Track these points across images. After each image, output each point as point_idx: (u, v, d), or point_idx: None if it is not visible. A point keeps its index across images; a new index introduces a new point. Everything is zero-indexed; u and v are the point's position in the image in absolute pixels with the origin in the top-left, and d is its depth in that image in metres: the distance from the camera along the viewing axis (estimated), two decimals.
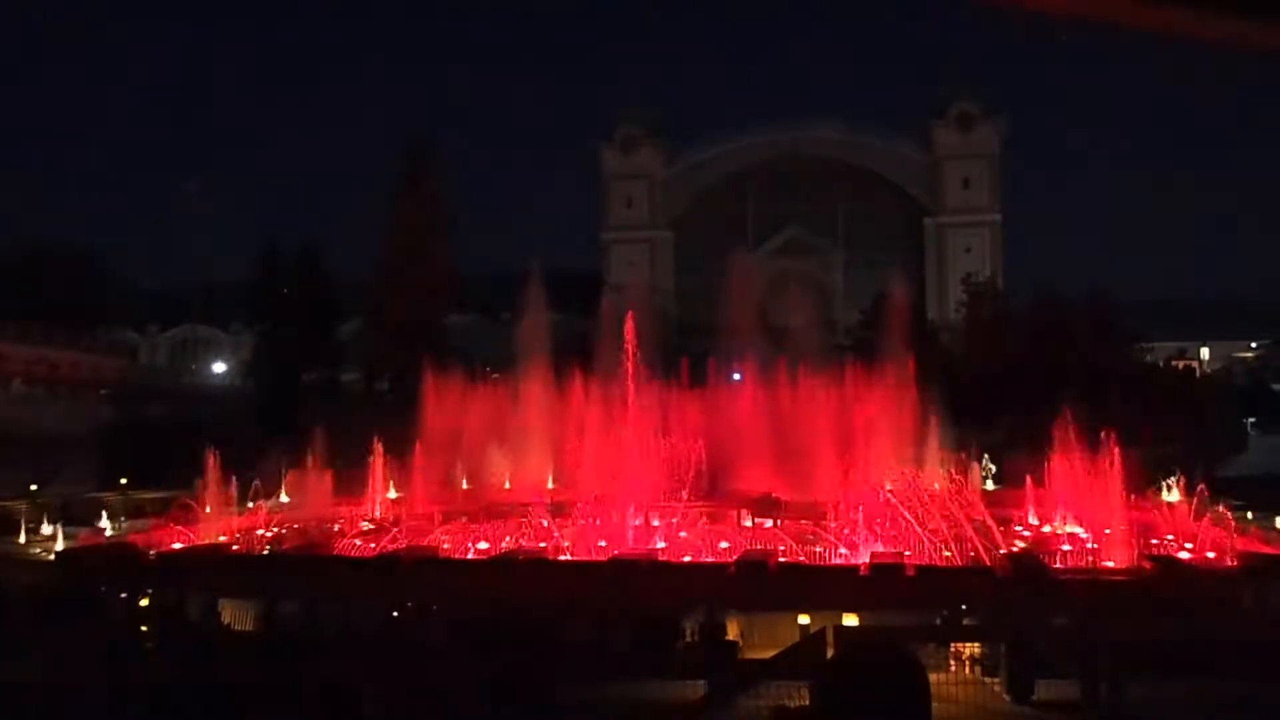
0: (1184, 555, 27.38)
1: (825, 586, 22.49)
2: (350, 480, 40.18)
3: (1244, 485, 35.00)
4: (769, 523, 31.13)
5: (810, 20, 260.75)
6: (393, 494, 40.31)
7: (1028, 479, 35.63)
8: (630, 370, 33.89)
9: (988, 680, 16.77)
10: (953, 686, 15.31)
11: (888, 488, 27.79)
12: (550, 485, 41.33)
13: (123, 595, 21.93)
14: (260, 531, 33.33)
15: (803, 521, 29.39)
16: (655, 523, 29.59)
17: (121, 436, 60.36)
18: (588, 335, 48.56)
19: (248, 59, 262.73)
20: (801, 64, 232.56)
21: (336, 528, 35.66)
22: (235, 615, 21.31)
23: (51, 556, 28.83)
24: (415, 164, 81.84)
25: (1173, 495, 36.74)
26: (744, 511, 32.48)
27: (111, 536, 32.86)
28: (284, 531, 34.41)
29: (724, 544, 28.55)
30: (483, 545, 29.48)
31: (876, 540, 26.22)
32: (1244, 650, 16.09)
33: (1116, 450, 30.11)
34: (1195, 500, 32.14)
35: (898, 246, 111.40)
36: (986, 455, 43.46)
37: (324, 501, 39.02)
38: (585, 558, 27.42)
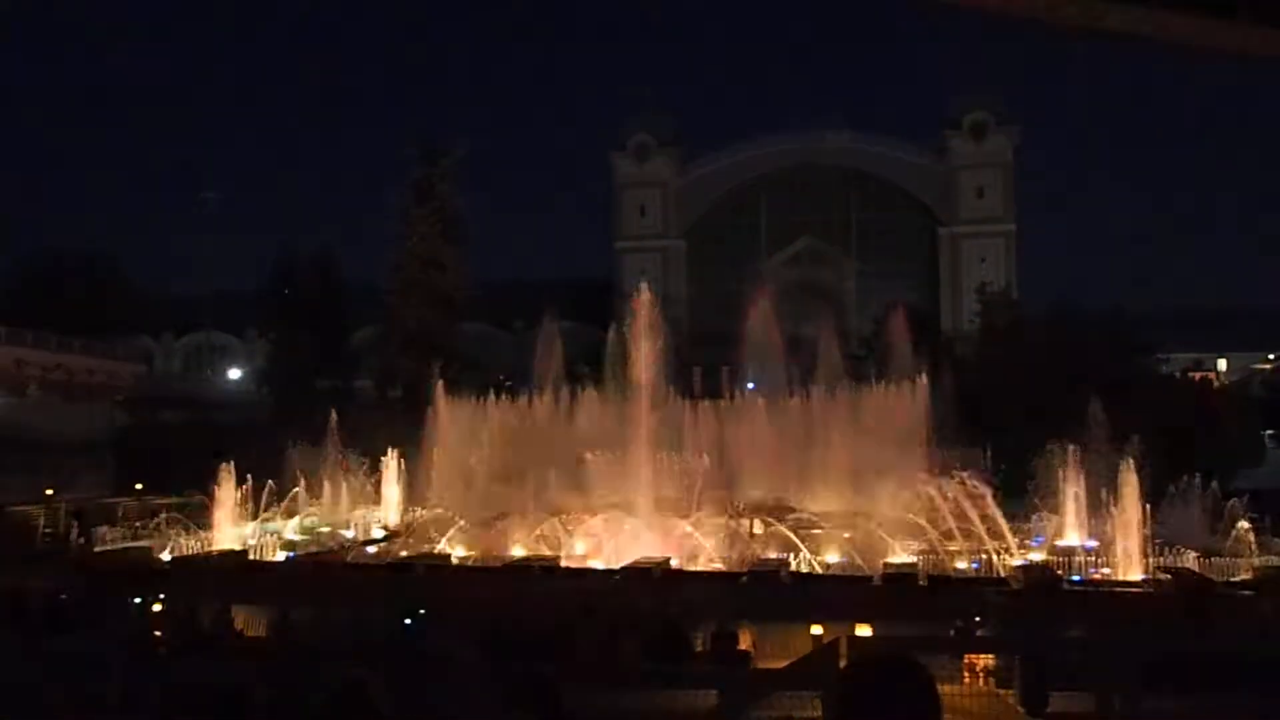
0: (1199, 567, 27.20)
1: (838, 596, 22.41)
2: (364, 487, 40.25)
3: (1261, 497, 34.68)
4: (782, 531, 31.03)
5: (824, 29, 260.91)
6: (406, 500, 40.40)
7: (1042, 490, 35.45)
8: (643, 379, 33.90)
9: (1001, 692, 16.65)
10: (966, 698, 15.21)
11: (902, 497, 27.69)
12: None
13: (136, 600, 22.02)
14: (274, 537, 33.44)
15: (815, 531, 29.31)
16: (669, 531, 29.54)
17: (137, 442, 60.64)
18: (601, 344, 48.56)
19: (263, 67, 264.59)
20: (815, 73, 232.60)
21: (350, 533, 35.77)
22: (248, 621, 21.37)
23: (66, 561, 28.99)
24: (429, 172, 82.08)
25: (1189, 508, 36.50)
26: (758, 520, 32.38)
27: (126, 542, 32.99)
28: (298, 537, 34.53)
29: (737, 553, 28.48)
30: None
31: (891, 550, 26.13)
32: (1262, 663, 15.95)
33: (1132, 462, 29.95)
34: (1211, 513, 31.95)
35: (912, 256, 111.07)
36: (1001, 466, 43.20)
37: (338, 507, 39.11)
38: (598, 565, 27.40)
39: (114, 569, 26.42)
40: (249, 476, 34.99)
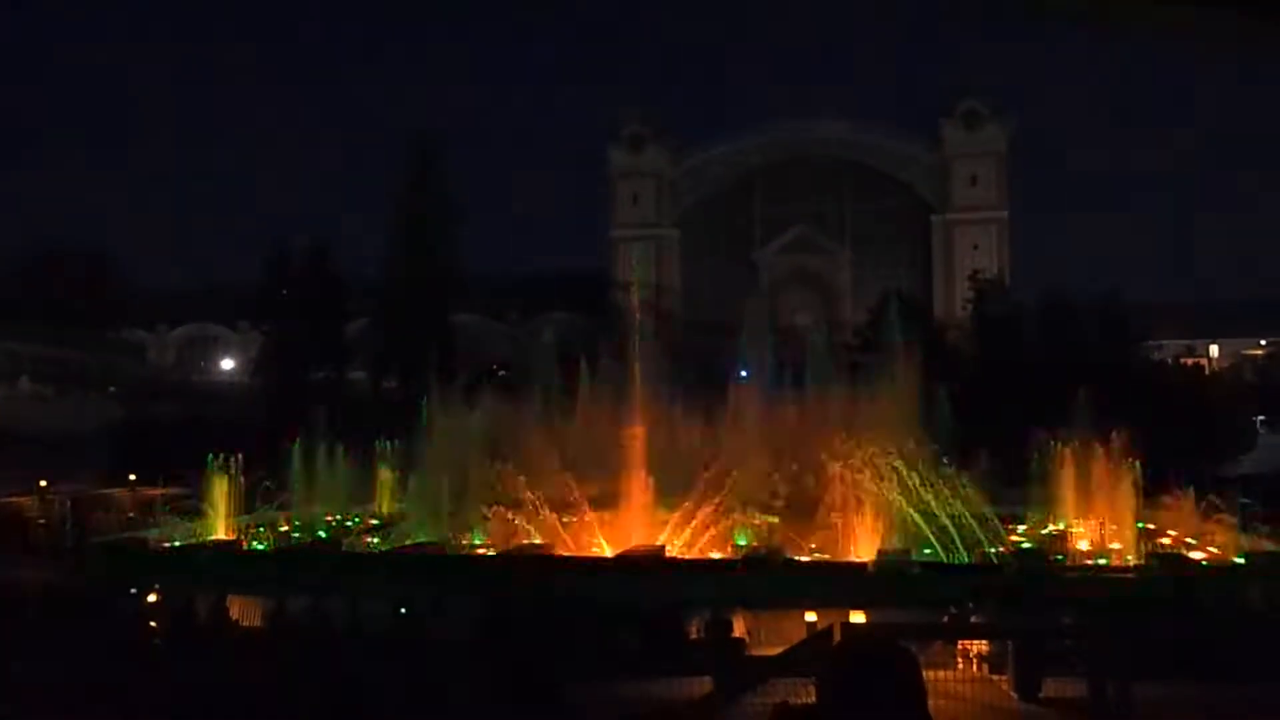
0: (1191, 554, 27.34)
1: (832, 583, 22.48)
2: (358, 478, 40.24)
3: (1253, 483, 34.85)
4: (776, 520, 31.09)
5: (817, 18, 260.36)
6: (399, 491, 40.38)
7: (1035, 477, 35.54)
8: (636, 368, 33.93)
9: (995, 678, 16.77)
10: (960, 684, 15.32)
11: (894, 485, 27.72)
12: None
13: (131, 592, 22.03)
14: (268, 528, 33.45)
15: (811, 519, 29.35)
16: (662, 520, 29.56)
17: (131, 434, 60.57)
18: (594, 333, 48.66)
19: (254, 59, 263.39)
20: (809, 62, 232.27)
21: (344, 524, 35.79)
22: (244, 611, 21.38)
23: (61, 553, 28.98)
24: (422, 163, 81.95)
25: (1180, 493, 36.64)
26: (751, 509, 32.39)
27: (121, 533, 33.00)
28: (292, 528, 34.56)
29: (731, 541, 28.53)
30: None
31: (883, 537, 26.21)
32: (1251, 650, 16.07)
33: (1124, 448, 30.07)
34: (1203, 499, 32.08)
35: (905, 244, 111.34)
36: (993, 452, 43.27)
37: (332, 498, 39.12)
38: (591, 555, 27.46)
39: (109, 560, 26.42)
40: (243, 467, 34.96)
